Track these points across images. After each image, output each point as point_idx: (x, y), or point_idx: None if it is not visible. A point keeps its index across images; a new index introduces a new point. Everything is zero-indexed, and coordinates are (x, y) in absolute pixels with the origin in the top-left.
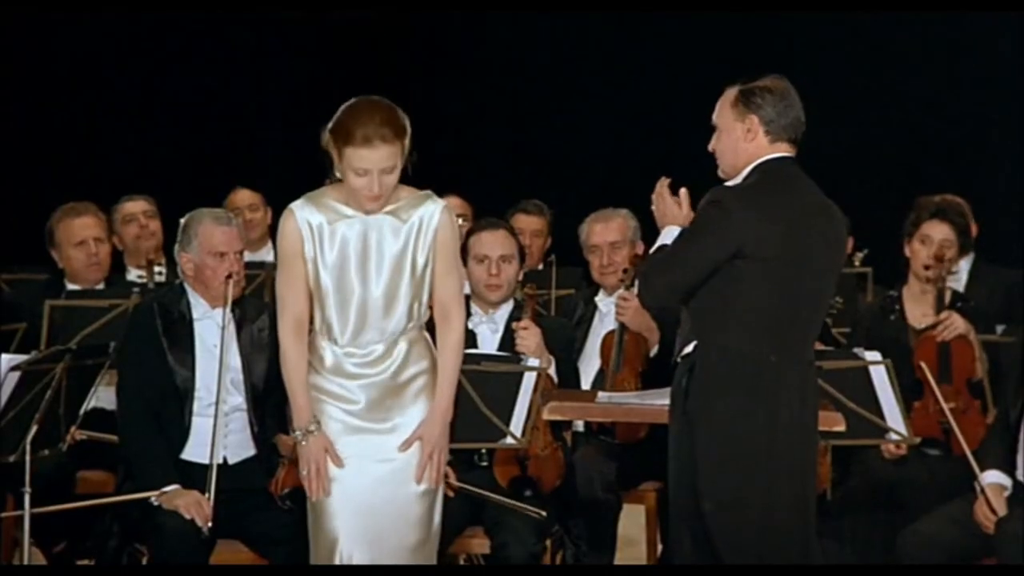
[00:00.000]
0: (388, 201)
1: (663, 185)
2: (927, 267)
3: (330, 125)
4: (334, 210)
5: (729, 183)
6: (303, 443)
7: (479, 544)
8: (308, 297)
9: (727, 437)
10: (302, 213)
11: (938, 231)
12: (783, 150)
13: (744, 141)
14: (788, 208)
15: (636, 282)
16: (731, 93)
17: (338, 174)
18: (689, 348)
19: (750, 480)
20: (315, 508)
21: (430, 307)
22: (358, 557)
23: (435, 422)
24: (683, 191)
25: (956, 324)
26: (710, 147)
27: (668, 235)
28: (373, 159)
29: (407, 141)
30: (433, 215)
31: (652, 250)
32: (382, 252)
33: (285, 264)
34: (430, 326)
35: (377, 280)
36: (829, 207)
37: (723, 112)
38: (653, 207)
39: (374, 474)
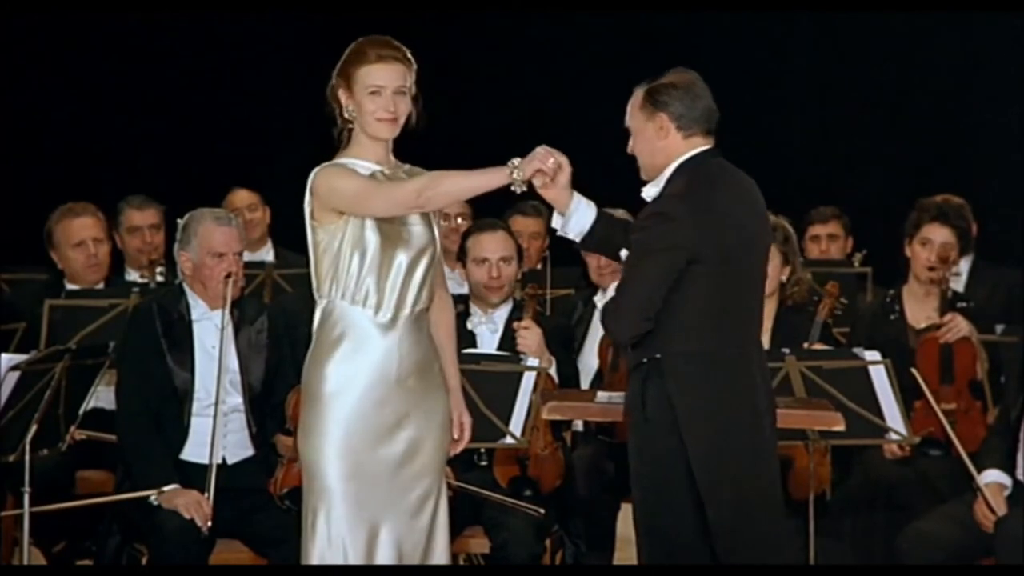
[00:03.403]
0: (393, 163)
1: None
2: (931, 268)
3: (338, 66)
4: (361, 166)
5: (655, 186)
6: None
7: (479, 544)
8: None
9: (721, 442)
10: (346, 162)
11: (939, 234)
12: (699, 144)
13: (658, 140)
14: (725, 205)
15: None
16: (638, 95)
17: (350, 114)
18: (645, 359)
19: (750, 480)
20: (327, 505)
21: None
22: (388, 539)
23: (460, 392)
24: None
25: (960, 326)
26: (628, 150)
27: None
28: (387, 75)
29: (414, 76)
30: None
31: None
32: None
33: (358, 177)
34: None
35: (414, 229)
36: (753, 190)
37: (633, 115)
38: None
39: (387, 469)
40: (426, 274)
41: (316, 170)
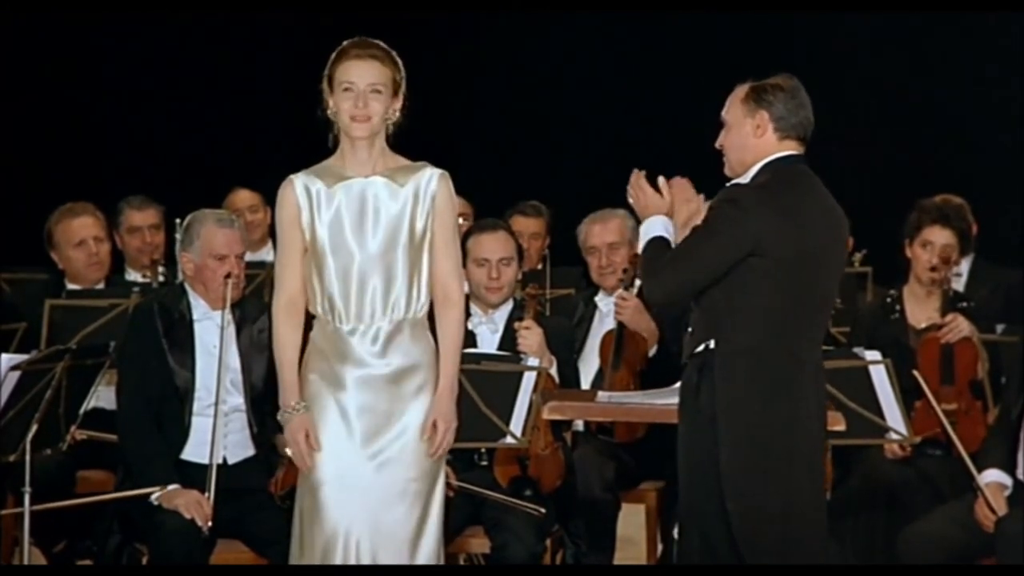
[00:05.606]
0: (385, 165)
1: (640, 176)
2: (932, 269)
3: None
4: (332, 174)
5: (740, 181)
6: (287, 421)
7: (479, 544)
8: (303, 275)
9: (751, 438)
10: (300, 180)
11: (940, 236)
12: (791, 148)
13: (753, 137)
14: (800, 208)
15: (639, 281)
16: (742, 89)
17: (332, 115)
18: (700, 347)
19: (775, 481)
20: (311, 505)
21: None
22: (365, 546)
23: (444, 397)
24: (661, 179)
25: (961, 327)
26: (718, 143)
27: (653, 226)
28: (360, 71)
29: (399, 80)
30: (431, 181)
31: (643, 243)
32: (379, 212)
33: (282, 236)
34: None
35: (374, 241)
36: (836, 208)
37: (733, 108)
38: (631, 199)
39: (369, 471)
40: (391, 271)
41: (283, 184)
